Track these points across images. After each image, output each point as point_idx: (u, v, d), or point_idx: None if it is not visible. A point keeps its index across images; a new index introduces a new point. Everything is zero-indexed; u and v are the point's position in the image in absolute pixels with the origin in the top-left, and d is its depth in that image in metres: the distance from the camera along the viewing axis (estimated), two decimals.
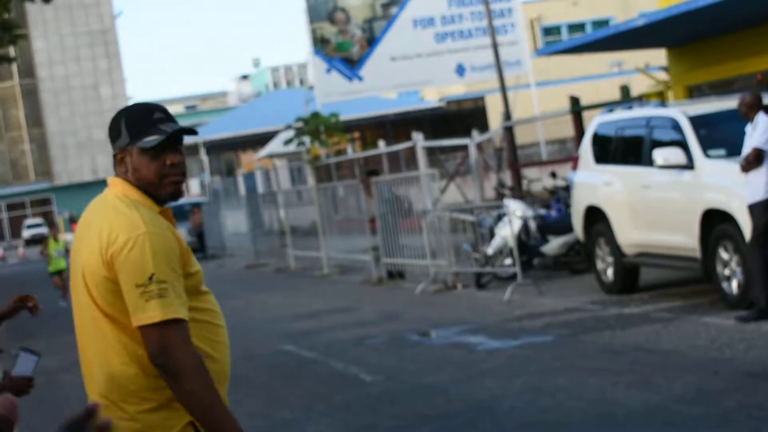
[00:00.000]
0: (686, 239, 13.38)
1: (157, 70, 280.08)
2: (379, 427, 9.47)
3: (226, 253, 34.85)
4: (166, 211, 4.06)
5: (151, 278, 3.79)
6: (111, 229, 3.87)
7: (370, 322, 16.19)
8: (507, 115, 24.19)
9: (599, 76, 45.91)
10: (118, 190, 4.03)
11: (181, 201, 49.84)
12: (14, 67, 75.69)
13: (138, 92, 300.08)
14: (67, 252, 25.37)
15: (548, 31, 49.52)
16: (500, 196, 21.40)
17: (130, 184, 4.02)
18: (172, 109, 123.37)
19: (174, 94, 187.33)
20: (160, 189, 4.05)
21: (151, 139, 3.99)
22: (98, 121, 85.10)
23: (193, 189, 74.04)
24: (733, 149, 12.81)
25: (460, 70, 34.87)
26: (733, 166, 12.32)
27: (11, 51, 40.44)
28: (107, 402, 3.94)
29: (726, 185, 12.65)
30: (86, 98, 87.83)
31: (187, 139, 64.84)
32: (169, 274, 3.83)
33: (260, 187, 40.03)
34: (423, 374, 11.59)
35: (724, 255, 12.75)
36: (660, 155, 13.51)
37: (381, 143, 27.06)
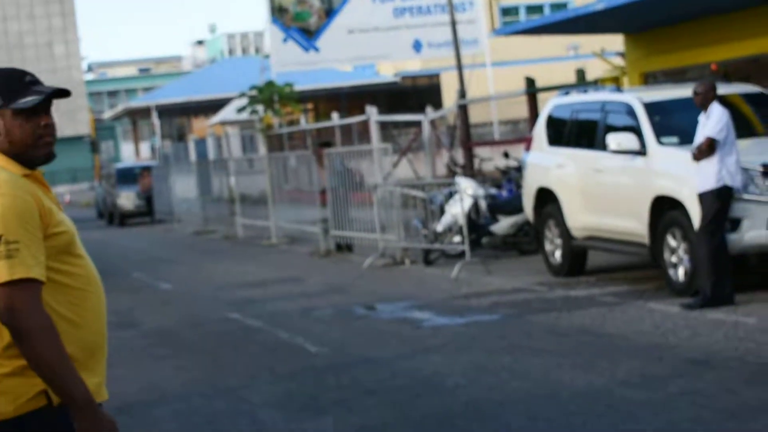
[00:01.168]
0: (636, 225, 13.46)
1: (112, 31, 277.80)
2: (324, 398, 9.47)
3: (174, 219, 34.69)
4: (35, 173, 4.04)
5: None
6: None
7: (316, 293, 16.18)
8: (462, 93, 24.19)
9: (555, 58, 45.95)
10: None
11: (131, 163, 49.37)
12: None
13: (91, 52, 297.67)
14: None
15: (506, 11, 49.49)
16: (452, 174, 21.44)
17: None
18: (126, 71, 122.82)
19: (128, 56, 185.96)
20: (35, 150, 4.05)
21: (29, 100, 4.01)
22: (51, 80, 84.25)
23: (144, 152, 73.64)
24: (685, 137, 12.88)
25: (417, 45, 34.78)
26: (685, 154, 12.39)
27: None
28: None
29: (677, 173, 12.72)
30: (39, 56, 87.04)
31: (140, 102, 64.49)
32: (22, 234, 3.81)
33: (211, 154, 39.90)
34: (368, 348, 11.61)
35: (672, 242, 12.84)
36: (613, 140, 13.57)
37: (335, 115, 27.01)
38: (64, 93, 4.11)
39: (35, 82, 4.09)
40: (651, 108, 13.77)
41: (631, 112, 13.88)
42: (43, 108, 4.07)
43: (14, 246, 3.79)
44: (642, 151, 13.36)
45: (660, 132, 13.42)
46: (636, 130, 13.55)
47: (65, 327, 3.89)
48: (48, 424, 3.90)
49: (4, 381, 3.89)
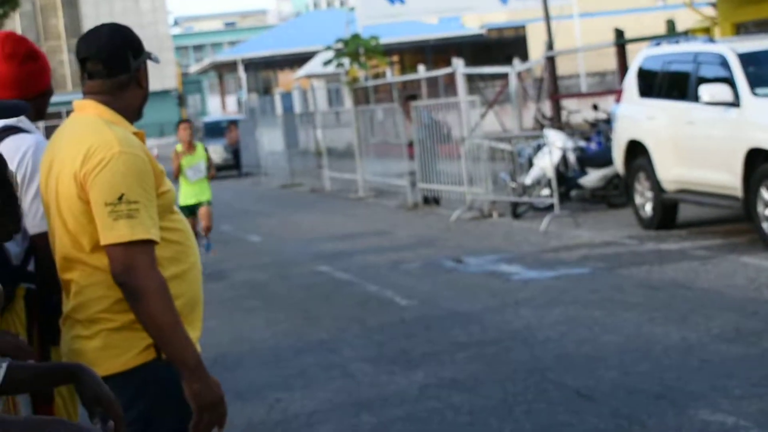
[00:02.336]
0: (729, 177, 13.26)
1: None
2: (414, 351, 9.48)
3: (261, 172, 34.86)
4: (140, 132, 4.08)
5: (120, 198, 3.80)
6: (87, 148, 3.87)
7: (405, 246, 16.17)
8: (549, 45, 23.94)
9: (644, 9, 45.34)
10: (90, 111, 4.05)
11: (218, 117, 49.60)
12: None
13: (177, 7, 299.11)
14: (209, 168, 16.03)
15: None
16: (540, 126, 21.26)
17: (105, 106, 4.05)
18: (212, 25, 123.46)
19: (213, 11, 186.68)
20: (137, 115, 4.15)
21: (154, 57, 4.21)
22: (138, 34, 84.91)
23: (230, 106, 74.05)
24: None
25: None
26: None
27: None
28: (71, 321, 4.00)
29: None
30: (126, 11, 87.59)
31: (226, 56, 64.73)
32: (141, 194, 3.85)
33: (297, 107, 39.92)
34: (458, 301, 11.58)
35: (766, 195, 12.63)
36: (706, 91, 13.36)
37: (421, 68, 26.89)
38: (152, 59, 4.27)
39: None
40: (745, 59, 13.52)
41: (724, 63, 13.64)
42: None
43: (135, 206, 3.82)
44: (736, 103, 13.13)
45: (754, 83, 13.17)
46: (729, 82, 13.32)
47: (172, 282, 3.92)
48: (156, 378, 3.93)
49: (112, 335, 3.93)
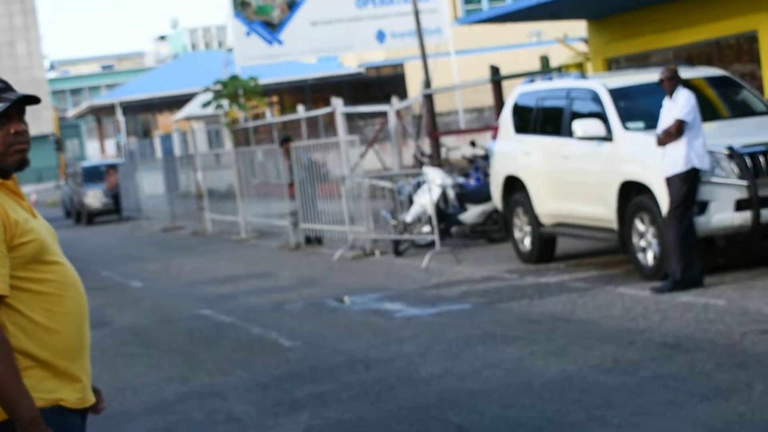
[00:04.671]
0: (604, 210, 13.53)
1: (74, 28, 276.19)
2: (299, 392, 9.49)
3: (142, 216, 34.58)
4: (6, 183, 3.99)
5: None
6: None
7: (288, 287, 16.18)
8: (426, 83, 24.21)
9: (519, 45, 46.03)
10: None
11: (97, 161, 49.02)
12: None
13: (53, 51, 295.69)
14: None
15: None
16: (419, 164, 21.46)
17: None
18: (89, 69, 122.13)
19: (90, 54, 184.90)
20: (7, 158, 4.00)
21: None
22: (13, 79, 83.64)
23: (109, 150, 73.28)
24: (651, 122, 12.96)
25: (381, 36, 34.81)
26: (651, 139, 12.45)
27: None
28: None
29: (644, 158, 12.79)
30: (1, 55, 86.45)
31: (104, 99, 64.12)
32: None
33: (177, 150, 39.69)
34: (341, 340, 11.63)
35: (640, 226, 12.91)
36: (579, 126, 13.64)
37: (300, 108, 26.95)
38: (32, 99, 4.06)
39: (4, 89, 4.03)
40: (616, 94, 13.84)
41: (596, 98, 13.94)
42: (14, 114, 4.02)
43: None
44: (608, 137, 13.43)
45: (625, 117, 13.50)
46: (601, 116, 13.62)
47: (41, 334, 3.88)
48: None
49: None
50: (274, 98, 55.30)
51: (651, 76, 13.56)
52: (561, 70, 21.67)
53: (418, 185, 18.53)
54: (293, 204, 21.55)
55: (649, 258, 12.82)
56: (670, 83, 12.22)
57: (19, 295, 3.88)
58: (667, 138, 12.04)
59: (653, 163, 12.44)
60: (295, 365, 10.62)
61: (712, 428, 7.17)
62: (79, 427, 4.07)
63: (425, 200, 17.89)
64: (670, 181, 12.05)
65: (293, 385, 9.80)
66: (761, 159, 12.32)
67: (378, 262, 18.07)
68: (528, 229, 15.41)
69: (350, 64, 55.35)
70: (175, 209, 31.73)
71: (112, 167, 39.56)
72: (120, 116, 60.14)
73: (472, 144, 20.31)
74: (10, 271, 3.87)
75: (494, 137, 16.56)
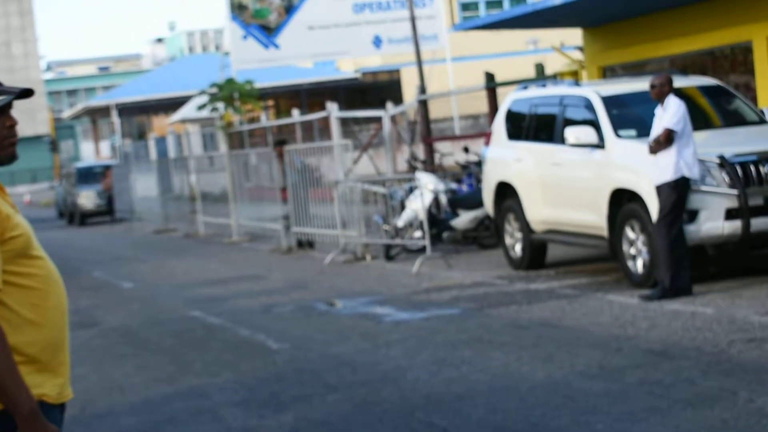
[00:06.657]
0: (594, 217, 13.54)
1: (71, 29, 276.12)
2: (285, 394, 9.49)
3: (135, 217, 34.57)
4: None
5: None
6: None
7: (278, 290, 16.19)
8: (422, 89, 24.25)
9: (515, 53, 46.08)
10: None
11: (92, 162, 49.04)
12: None
13: (50, 52, 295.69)
14: None
15: (466, 6, 49.56)
16: (412, 169, 21.48)
17: None
18: (85, 70, 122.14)
19: (87, 55, 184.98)
20: (1, 152, 4.04)
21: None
22: (9, 79, 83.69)
23: (104, 151, 73.28)
24: (643, 130, 12.97)
25: (377, 41, 34.85)
26: (642, 147, 12.47)
27: None
28: None
29: (635, 165, 12.81)
30: None
31: (100, 101, 64.11)
32: None
33: (172, 152, 39.76)
34: (330, 343, 11.63)
35: (630, 234, 12.93)
36: (572, 133, 13.65)
37: (295, 112, 26.98)
38: (28, 93, 4.07)
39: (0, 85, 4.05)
40: (609, 101, 13.85)
41: (589, 105, 13.96)
42: (7, 109, 4.04)
43: None
44: (600, 145, 13.44)
45: (618, 125, 13.51)
46: (594, 124, 13.63)
47: (28, 329, 3.89)
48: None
49: None
50: (270, 102, 55.36)
51: (644, 84, 13.56)
52: (556, 78, 21.70)
53: (411, 190, 18.54)
54: (286, 208, 21.55)
55: (639, 266, 12.83)
56: (660, 91, 12.21)
57: (7, 290, 3.89)
58: (657, 146, 12.05)
59: (644, 171, 12.45)
60: (282, 367, 10.62)
61: None
62: (59, 421, 4.07)
63: (417, 205, 17.90)
64: (660, 190, 12.06)
65: (279, 386, 9.80)
66: (752, 168, 12.33)
67: (369, 266, 18.07)
68: (519, 235, 15.43)
69: (346, 69, 55.39)
70: (168, 211, 31.73)
71: (107, 168, 39.59)
72: (115, 118, 60.14)
73: (466, 150, 20.33)
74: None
75: (487, 143, 16.58)
